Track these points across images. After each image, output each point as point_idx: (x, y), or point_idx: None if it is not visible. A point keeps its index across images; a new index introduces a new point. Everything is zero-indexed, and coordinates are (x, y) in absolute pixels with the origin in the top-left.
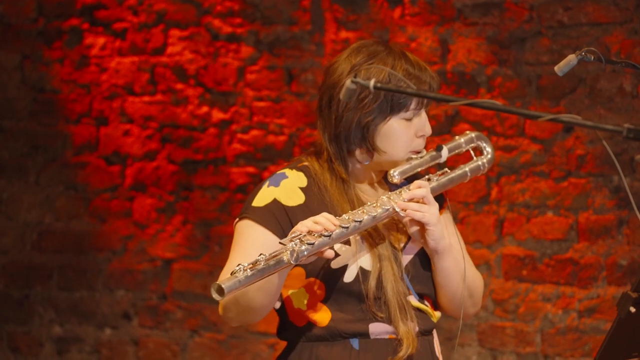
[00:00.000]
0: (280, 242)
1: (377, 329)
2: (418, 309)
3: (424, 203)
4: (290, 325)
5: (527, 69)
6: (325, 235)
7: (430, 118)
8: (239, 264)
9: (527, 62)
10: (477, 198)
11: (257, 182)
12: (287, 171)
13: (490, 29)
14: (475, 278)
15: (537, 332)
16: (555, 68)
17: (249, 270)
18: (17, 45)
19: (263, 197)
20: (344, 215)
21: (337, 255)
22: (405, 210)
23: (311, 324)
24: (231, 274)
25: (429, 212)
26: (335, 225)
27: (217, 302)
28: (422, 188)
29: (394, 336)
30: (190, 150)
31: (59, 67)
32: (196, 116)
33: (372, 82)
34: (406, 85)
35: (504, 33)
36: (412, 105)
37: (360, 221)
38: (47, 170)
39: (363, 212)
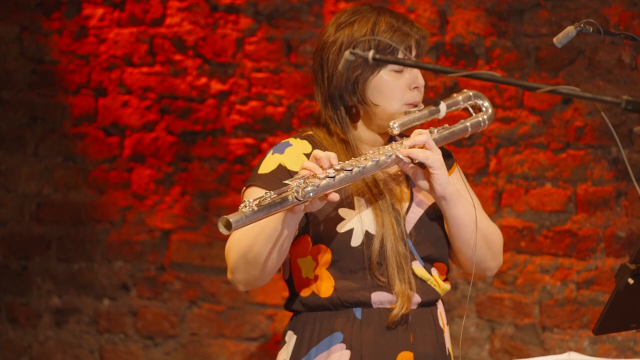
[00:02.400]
0: (284, 182)
1: (380, 297)
2: (421, 280)
3: (426, 149)
4: (296, 295)
5: (525, 40)
6: (329, 177)
7: (429, 89)
8: (245, 200)
9: (525, 33)
10: (476, 169)
11: (255, 154)
12: (291, 140)
13: (489, 0)
14: (492, 229)
15: (535, 304)
16: (554, 40)
17: (255, 206)
18: (15, 17)
19: (268, 164)
20: (347, 161)
21: (341, 219)
22: (407, 156)
23: (315, 295)
24: (238, 210)
25: (433, 156)
26: (333, 162)
27: (216, 273)
28: (422, 134)
29: (394, 305)
30: (189, 122)
31: (58, 38)
32: (195, 87)
33: (370, 53)
34: (387, 41)
35: (502, 5)
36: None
37: (364, 166)
38: (45, 141)
39: (366, 158)
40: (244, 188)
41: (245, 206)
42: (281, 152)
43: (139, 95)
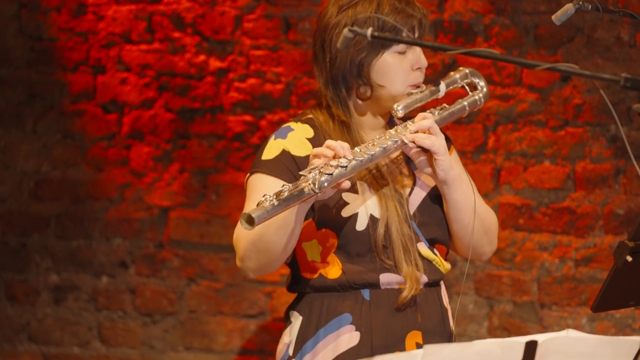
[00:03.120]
0: (300, 174)
1: (387, 279)
2: (427, 260)
3: (430, 134)
4: (301, 278)
5: (524, 18)
6: (342, 166)
7: (427, 67)
8: (264, 195)
9: (524, 11)
10: (474, 147)
11: (254, 131)
12: (292, 124)
13: None
14: (488, 214)
15: (533, 281)
16: (553, 17)
17: (275, 200)
18: None
19: (271, 149)
20: (355, 148)
21: (345, 203)
22: (413, 142)
23: (323, 277)
24: (257, 204)
25: (437, 141)
26: (347, 154)
27: (214, 251)
28: (427, 119)
29: (403, 286)
30: (188, 99)
31: (56, 16)
32: (193, 64)
33: (369, 31)
34: (392, 22)
35: None
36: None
37: (373, 154)
38: (44, 118)
39: (373, 144)
40: (248, 175)
41: (266, 200)
42: (283, 137)
43: (137, 72)
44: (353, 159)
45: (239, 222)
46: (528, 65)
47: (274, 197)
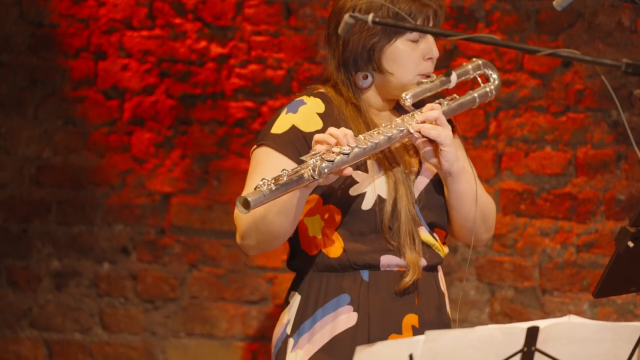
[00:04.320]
0: (301, 159)
1: (388, 260)
2: (427, 245)
3: (437, 125)
4: (301, 252)
5: (525, 3)
6: (344, 154)
7: None
8: (262, 178)
9: None
10: (476, 132)
11: (255, 117)
12: (304, 98)
13: None
14: (488, 202)
15: (535, 267)
16: (554, 3)
17: (272, 185)
18: None
19: (281, 124)
20: (360, 135)
21: (354, 182)
22: (419, 132)
23: (323, 254)
24: (255, 188)
25: (444, 133)
26: (350, 142)
27: (216, 236)
28: (434, 110)
29: (402, 269)
30: (189, 85)
31: (57, 2)
32: (194, 50)
33: (370, 17)
34: (404, 13)
35: None
36: None
37: (377, 142)
38: (45, 104)
39: (378, 133)
40: (255, 147)
41: (264, 184)
42: (294, 111)
43: (138, 58)
44: (356, 146)
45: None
46: (529, 51)
47: (272, 181)
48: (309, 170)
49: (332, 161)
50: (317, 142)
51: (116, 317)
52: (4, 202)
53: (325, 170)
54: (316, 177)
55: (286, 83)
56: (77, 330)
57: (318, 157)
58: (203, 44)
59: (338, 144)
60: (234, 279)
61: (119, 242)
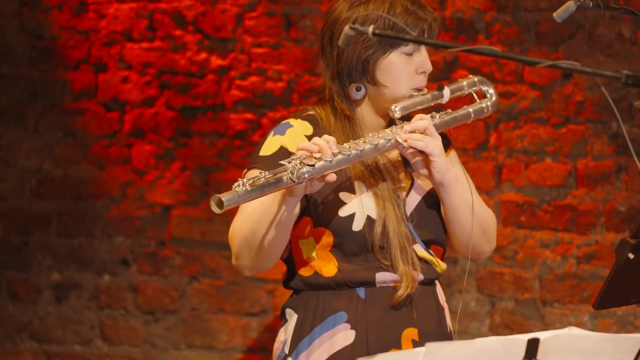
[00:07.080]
0: (280, 163)
1: (383, 277)
2: (424, 260)
3: (426, 135)
4: (297, 274)
5: (525, 15)
6: (326, 160)
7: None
8: (238, 179)
9: (525, 8)
10: (476, 144)
11: (255, 129)
12: (291, 120)
13: None
14: (487, 214)
15: (535, 279)
16: (554, 14)
17: (248, 186)
18: None
19: (270, 146)
20: (345, 144)
21: (343, 203)
22: (407, 141)
23: (318, 274)
24: (231, 189)
25: (432, 143)
26: (332, 149)
27: (216, 248)
28: (423, 120)
29: (398, 283)
30: (189, 97)
31: (58, 14)
32: (195, 62)
33: (370, 28)
34: (402, 24)
35: None
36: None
37: (362, 149)
38: (45, 116)
39: (365, 141)
40: (245, 170)
41: (239, 185)
42: (282, 133)
43: (138, 70)
44: (339, 152)
45: (233, 220)
46: (529, 63)
47: (248, 182)
48: (288, 173)
49: (313, 166)
50: (300, 149)
51: (116, 329)
52: (4, 214)
53: (306, 175)
54: (295, 181)
55: (286, 95)
56: (78, 342)
57: (298, 161)
58: (203, 55)
59: (321, 151)
60: (234, 291)
61: (119, 254)
